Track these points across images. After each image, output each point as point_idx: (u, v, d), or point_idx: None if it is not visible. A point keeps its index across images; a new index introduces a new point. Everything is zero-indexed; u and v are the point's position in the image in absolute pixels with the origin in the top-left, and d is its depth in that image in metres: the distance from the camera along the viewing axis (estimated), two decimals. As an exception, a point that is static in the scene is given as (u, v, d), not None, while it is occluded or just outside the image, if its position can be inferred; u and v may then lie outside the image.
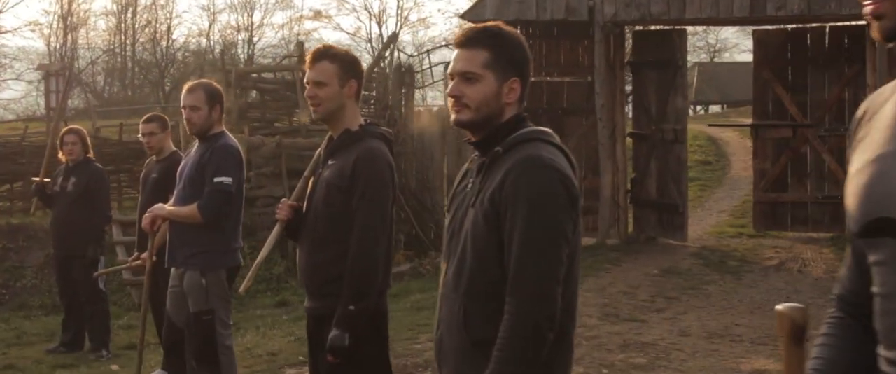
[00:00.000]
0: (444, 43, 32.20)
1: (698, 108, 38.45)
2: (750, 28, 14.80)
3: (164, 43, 41.64)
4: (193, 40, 43.09)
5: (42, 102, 34.22)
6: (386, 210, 3.86)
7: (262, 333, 8.70)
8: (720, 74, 37.33)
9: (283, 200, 4.07)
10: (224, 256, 5.48)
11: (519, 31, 2.84)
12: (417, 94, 16.37)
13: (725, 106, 37.32)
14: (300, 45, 16.52)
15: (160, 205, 5.64)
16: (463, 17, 13.67)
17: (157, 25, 41.77)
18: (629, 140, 13.20)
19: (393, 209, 3.93)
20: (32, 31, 53.75)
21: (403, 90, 14.12)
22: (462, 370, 2.71)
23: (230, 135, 5.67)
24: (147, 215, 5.59)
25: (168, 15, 47.66)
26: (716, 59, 42.83)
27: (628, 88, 15.37)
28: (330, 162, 3.90)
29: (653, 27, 13.71)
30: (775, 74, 12.98)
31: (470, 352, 2.67)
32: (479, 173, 2.73)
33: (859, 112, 1.83)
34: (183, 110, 5.50)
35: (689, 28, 14.88)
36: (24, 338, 10.01)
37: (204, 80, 5.85)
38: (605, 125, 12.46)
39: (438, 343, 2.80)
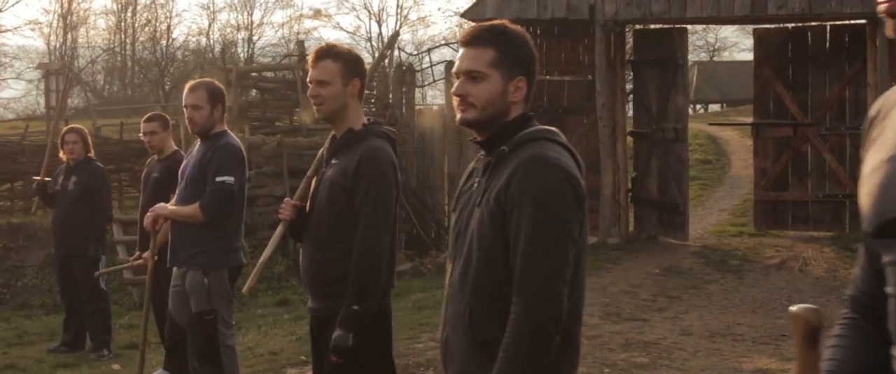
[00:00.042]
0: (444, 42, 32.23)
1: (698, 107, 38.41)
2: (749, 27, 14.78)
3: (163, 42, 41.70)
4: (193, 39, 43.18)
5: (42, 101, 34.25)
6: (390, 209, 3.83)
7: (263, 332, 8.69)
8: (720, 73, 37.29)
9: (286, 199, 4.04)
10: (226, 255, 5.47)
11: (521, 30, 2.82)
12: (418, 93, 16.32)
13: (725, 105, 37.31)
14: (300, 43, 16.50)
15: (162, 204, 5.63)
16: (463, 15, 13.66)
17: (157, 24, 41.85)
18: (630, 139, 13.18)
19: (397, 209, 3.92)
20: (32, 29, 53.98)
21: (404, 89, 14.09)
22: (468, 370, 2.69)
23: (232, 134, 5.65)
24: (149, 214, 5.57)
25: (168, 14, 47.59)
26: (715, 58, 42.80)
27: (629, 86, 15.37)
28: (333, 161, 3.87)
29: (653, 26, 13.70)
30: (776, 73, 12.96)
31: (476, 352, 2.65)
32: (484, 173, 2.70)
33: (873, 111, 1.81)
34: (185, 109, 5.48)
35: (689, 27, 14.86)
36: (25, 337, 9.99)
37: (206, 79, 5.83)
38: (605, 124, 12.45)
39: (444, 344, 2.78)
